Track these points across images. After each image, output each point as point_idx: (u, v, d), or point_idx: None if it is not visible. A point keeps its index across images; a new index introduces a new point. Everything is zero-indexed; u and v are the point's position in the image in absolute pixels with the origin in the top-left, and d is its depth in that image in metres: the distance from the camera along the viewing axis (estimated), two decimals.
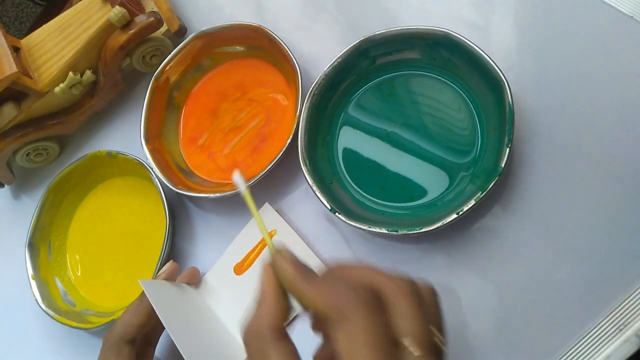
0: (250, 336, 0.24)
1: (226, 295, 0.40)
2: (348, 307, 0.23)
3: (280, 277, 0.25)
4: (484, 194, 0.33)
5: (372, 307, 0.23)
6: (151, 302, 0.34)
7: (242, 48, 0.47)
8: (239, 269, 0.40)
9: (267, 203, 0.40)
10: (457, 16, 0.42)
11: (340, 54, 0.40)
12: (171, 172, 0.44)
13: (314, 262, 0.38)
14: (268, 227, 0.40)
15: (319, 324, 0.27)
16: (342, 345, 0.22)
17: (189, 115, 0.47)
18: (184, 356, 0.33)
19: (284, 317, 0.25)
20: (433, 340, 0.24)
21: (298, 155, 0.38)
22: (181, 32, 0.48)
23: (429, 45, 0.38)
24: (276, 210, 0.41)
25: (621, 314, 0.32)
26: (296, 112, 0.40)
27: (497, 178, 0.33)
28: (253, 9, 0.49)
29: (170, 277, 0.40)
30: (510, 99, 0.34)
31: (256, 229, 0.40)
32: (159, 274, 0.40)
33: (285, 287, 0.25)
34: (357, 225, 0.35)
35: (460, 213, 0.33)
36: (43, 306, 0.43)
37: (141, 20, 0.44)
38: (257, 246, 0.40)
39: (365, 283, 0.24)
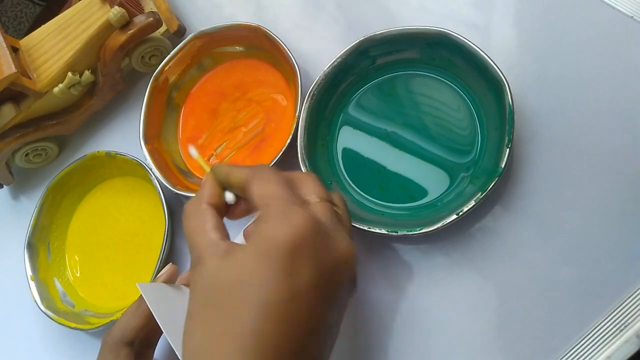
0: (189, 206, 0.30)
1: None
2: (260, 170, 0.29)
3: (215, 170, 0.31)
4: (484, 194, 0.33)
5: (277, 170, 0.29)
6: (149, 306, 0.34)
7: (241, 48, 0.47)
8: None
9: None
10: (457, 16, 0.42)
11: (340, 53, 0.40)
12: (170, 172, 0.44)
13: None
14: None
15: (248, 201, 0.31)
16: (254, 192, 0.28)
17: (188, 116, 0.47)
18: (180, 359, 0.33)
19: (218, 200, 0.30)
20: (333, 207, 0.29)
21: (298, 155, 0.38)
22: (180, 32, 0.48)
23: (429, 45, 0.38)
24: None
25: (622, 314, 0.32)
26: (296, 112, 0.40)
27: (497, 178, 0.33)
28: (252, 8, 0.49)
29: (170, 280, 0.40)
30: (510, 99, 0.34)
31: None
32: (157, 276, 0.40)
33: (217, 174, 0.31)
34: (357, 225, 0.35)
35: (461, 214, 0.33)
36: (42, 307, 0.43)
37: (140, 20, 0.44)
38: None
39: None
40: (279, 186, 0.27)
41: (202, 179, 0.44)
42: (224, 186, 0.31)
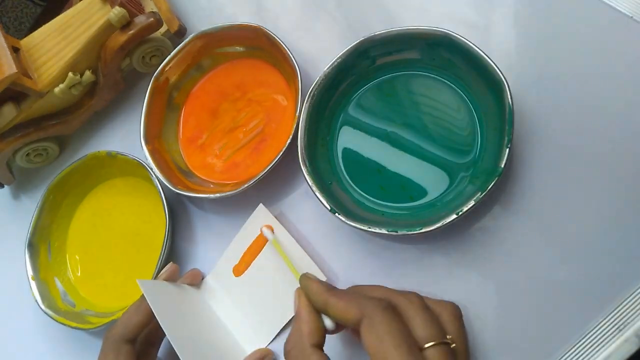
0: (293, 351, 0.28)
1: (226, 296, 0.40)
2: (367, 309, 0.27)
3: (309, 293, 0.30)
4: (483, 194, 0.33)
5: (388, 309, 0.27)
6: (148, 302, 0.34)
7: (242, 48, 0.47)
8: (237, 270, 0.40)
9: (261, 204, 0.40)
10: (457, 16, 0.42)
11: (340, 54, 0.40)
12: (171, 172, 0.44)
13: (307, 264, 0.37)
14: (262, 226, 0.40)
15: (353, 332, 0.30)
16: (368, 341, 0.26)
17: (188, 116, 0.47)
18: (180, 357, 0.33)
19: (320, 334, 0.29)
20: (450, 347, 0.27)
21: (298, 155, 0.38)
22: (181, 32, 0.48)
23: (429, 46, 0.38)
24: (276, 211, 0.41)
25: (621, 314, 0.32)
26: (296, 113, 0.40)
27: (496, 178, 0.33)
28: (253, 9, 0.49)
29: (171, 279, 0.40)
30: (510, 99, 0.34)
31: (252, 230, 0.40)
32: (159, 275, 0.40)
33: (313, 301, 0.30)
34: (357, 225, 0.35)
35: (460, 213, 0.33)
36: (43, 306, 0.43)
37: (141, 20, 0.44)
38: (250, 247, 0.40)
39: (381, 297, 0.28)
40: (393, 337, 0.26)
41: (203, 179, 0.45)
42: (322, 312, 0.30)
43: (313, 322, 0.29)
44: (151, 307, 0.34)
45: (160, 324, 0.34)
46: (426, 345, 0.26)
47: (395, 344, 0.25)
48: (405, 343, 0.25)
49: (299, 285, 0.32)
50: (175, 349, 0.33)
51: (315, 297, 0.30)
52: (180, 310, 0.37)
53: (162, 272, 0.40)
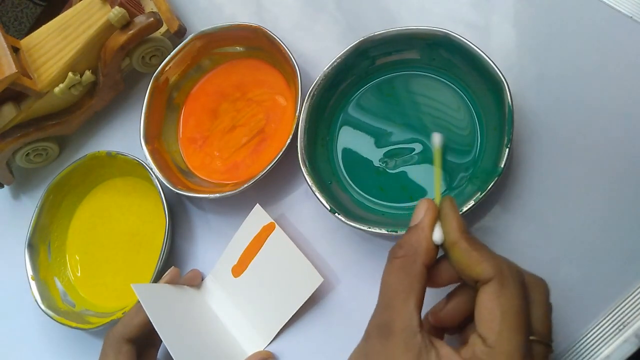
0: (402, 260, 0.26)
1: (226, 297, 0.40)
2: (503, 273, 0.24)
3: (443, 223, 0.27)
4: (483, 194, 0.33)
5: (524, 286, 0.25)
6: (144, 307, 0.35)
7: (241, 48, 0.47)
8: (236, 271, 0.40)
9: (257, 205, 0.40)
10: (457, 16, 0.42)
11: (340, 54, 0.40)
12: (171, 172, 0.44)
13: (304, 265, 0.37)
14: (259, 227, 0.40)
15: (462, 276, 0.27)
16: (487, 307, 0.24)
17: (188, 116, 0.47)
18: (174, 358, 0.33)
19: (434, 255, 0.27)
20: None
21: (297, 155, 0.38)
22: (181, 32, 0.48)
23: (428, 46, 0.38)
24: (275, 211, 0.41)
25: (621, 314, 0.32)
26: (296, 113, 0.40)
27: (496, 178, 0.33)
28: (253, 9, 0.49)
29: (172, 282, 0.40)
30: (509, 99, 0.34)
31: (249, 230, 0.40)
32: (160, 280, 0.40)
33: (447, 232, 0.27)
34: (357, 225, 0.35)
35: (460, 213, 0.33)
36: (43, 307, 0.43)
37: (141, 20, 0.45)
38: (248, 248, 0.40)
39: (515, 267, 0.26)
40: (517, 319, 0.24)
41: (203, 179, 0.45)
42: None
43: (434, 249, 0.27)
44: (146, 311, 0.34)
45: (156, 329, 0.34)
46: (531, 338, 0.25)
47: (515, 328, 0.23)
48: (525, 333, 0.24)
49: (303, 279, 0.31)
50: (171, 354, 0.33)
51: (452, 233, 0.27)
52: (179, 312, 0.37)
53: (163, 276, 0.40)
